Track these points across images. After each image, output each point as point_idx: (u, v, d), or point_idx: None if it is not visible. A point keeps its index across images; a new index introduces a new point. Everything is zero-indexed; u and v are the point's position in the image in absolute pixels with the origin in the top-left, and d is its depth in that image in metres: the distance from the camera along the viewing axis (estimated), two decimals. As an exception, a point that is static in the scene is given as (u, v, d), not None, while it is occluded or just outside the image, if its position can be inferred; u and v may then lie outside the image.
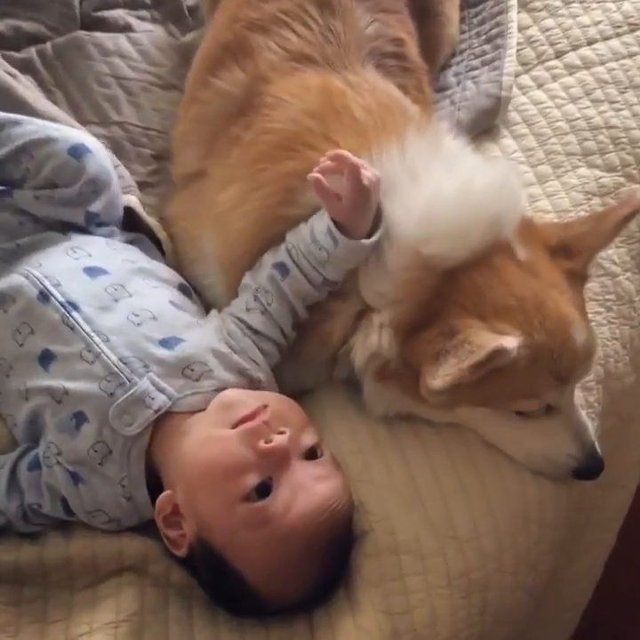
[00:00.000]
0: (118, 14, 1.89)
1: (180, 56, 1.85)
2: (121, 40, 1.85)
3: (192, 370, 1.28)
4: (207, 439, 1.20)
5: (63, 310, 1.31)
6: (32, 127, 1.45)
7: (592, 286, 1.47)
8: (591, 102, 1.70)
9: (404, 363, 1.24)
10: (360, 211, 1.25)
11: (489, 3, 1.90)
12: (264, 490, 1.16)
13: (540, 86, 1.76)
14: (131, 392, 1.25)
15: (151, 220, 1.56)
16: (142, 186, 1.66)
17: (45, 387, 1.27)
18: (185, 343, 1.30)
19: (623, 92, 1.72)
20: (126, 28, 1.88)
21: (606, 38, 1.80)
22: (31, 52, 1.80)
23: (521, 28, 1.84)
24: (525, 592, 1.30)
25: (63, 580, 1.25)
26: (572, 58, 1.78)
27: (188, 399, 1.26)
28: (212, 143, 1.50)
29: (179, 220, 1.55)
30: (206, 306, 1.45)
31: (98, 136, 1.65)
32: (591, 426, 1.31)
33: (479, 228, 1.24)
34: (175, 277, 1.46)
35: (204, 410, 1.25)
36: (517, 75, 1.77)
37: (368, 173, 1.23)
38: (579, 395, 1.36)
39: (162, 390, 1.25)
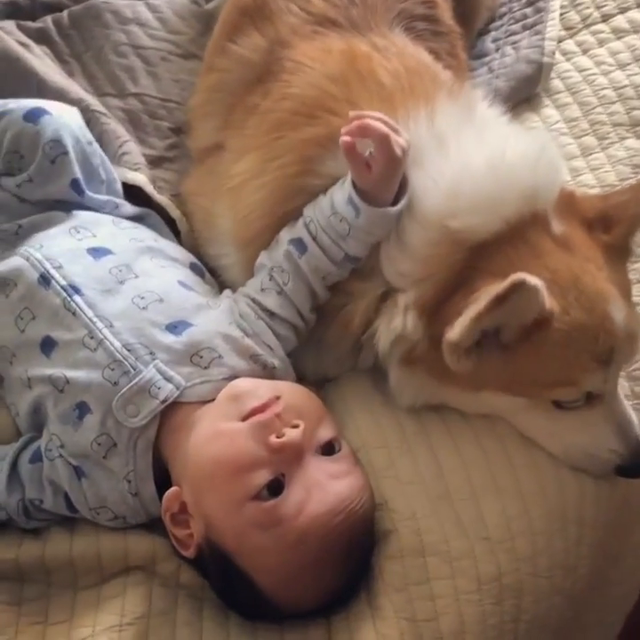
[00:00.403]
0: (137, -20, 1.88)
1: (202, 24, 1.83)
2: (139, 7, 1.82)
3: (201, 357, 1.23)
4: (214, 433, 1.15)
5: (64, 294, 1.27)
6: None
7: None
8: (640, 68, 1.68)
9: (430, 343, 1.20)
10: (389, 180, 1.20)
11: (531, -37, 1.88)
12: (275, 488, 1.11)
13: (585, 52, 1.74)
14: (135, 381, 1.20)
15: (162, 199, 1.53)
16: (160, 161, 1.64)
17: (47, 375, 1.23)
18: (193, 328, 1.25)
19: (675, 58, 1.68)
20: (145, -6, 1.87)
21: (658, -1, 1.77)
22: (47, 21, 1.79)
23: (564, -10, 1.83)
24: (563, 597, 1.24)
25: (66, 578, 1.21)
26: (619, 21, 1.76)
27: (197, 388, 1.21)
28: (230, 113, 1.47)
29: (195, 196, 1.52)
30: (223, 289, 1.40)
31: (114, 108, 1.66)
32: (637, 419, 1.25)
33: (512, 199, 1.20)
34: (186, 256, 1.42)
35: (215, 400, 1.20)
36: (561, 40, 1.77)
37: (400, 140, 1.19)
38: (623, 385, 1.30)
39: (169, 379, 1.21)
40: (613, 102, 1.62)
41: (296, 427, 1.13)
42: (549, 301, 1.12)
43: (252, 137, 1.37)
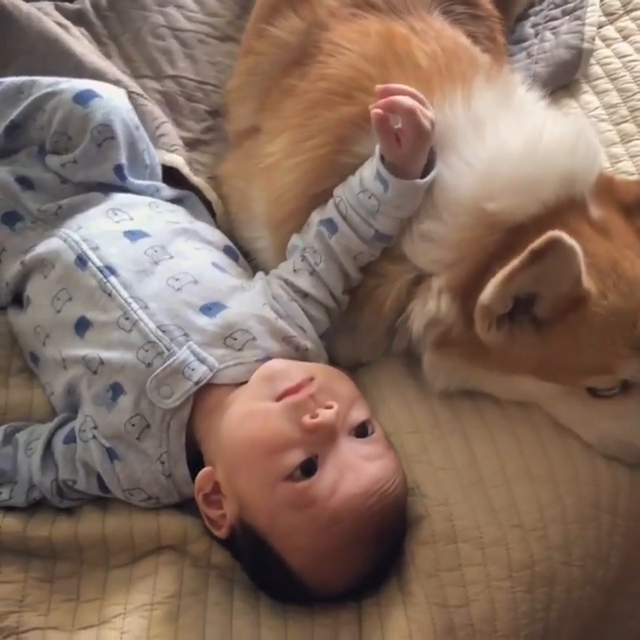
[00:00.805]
0: (175, -38, 1.88)
1: (239, 6, 1.82)
2: (177, -11, 1.83)
3: (234, 339, 1.22)
4: (248, 413, 1.15)
5: (100, 275, 1.27)
6: (44, 82, 1.43)
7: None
8: (682, 55, 1.66)
9: (464, 325, 1.19)
10: (418, 153, 1.20)
11: (571, -52, 1.86)
12: (309, 468, 1.10)
13: (625, 38, 1.72)
14: (169, 362, 1.20)
15: (199, 181, 1.53)
16: (196, 143, 1.64)
17: (81, 356, 1.23)
18: (227, 310, 1.25)
19: None
20: (183, -24, 1.87)
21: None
22: (85, 2, 1.78)
23: (605, -24, 1.80)
24: (595, 586, 1.23)
25: (98, 557, 1.21)
26: (662, 7, 1.75)
27: (231, 370, 1.21)
28: (266, 96, 1.46)
29: (231, 178, 1.52)
30: (257, 271, 1.40)
31: (151, 90, 1.66)
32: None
33: (550, 182, 1.18)
34: (221, 239, 1.42)
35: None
36: (601, 26, 1.75)
37: (428, 113, 1.19)
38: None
39: (202, 360, 1.20)
40: (654, 89, 1.60)
41: (330, 408, 1.12)
42: (586, 279, 1.10)
43: (287, 118, 1.36)
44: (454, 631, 1.13)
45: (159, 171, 1.50)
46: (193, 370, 1.19)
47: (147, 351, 1.20)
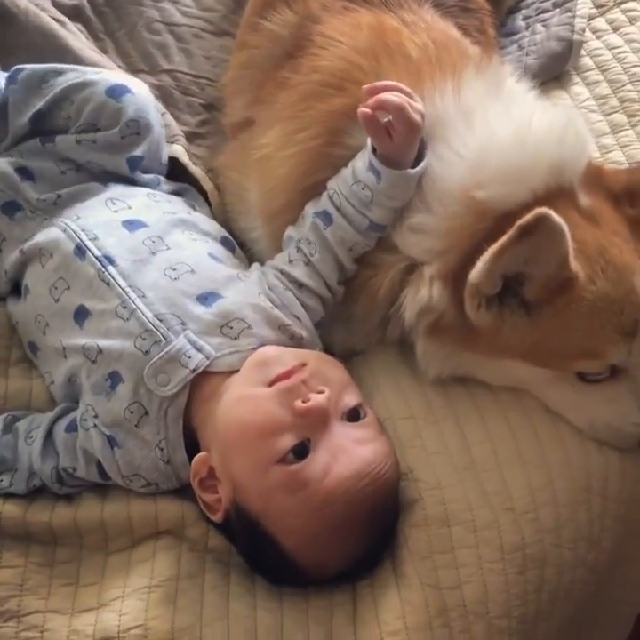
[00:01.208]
0: (171, -44, 1.88)
1: (234, 1, 1.82)
2: (172, -16, 1.83)
3: (231, 327, 1.23)
4: (241, 397, 1.16)
5: (99, 265, 1.27)
6: (72, 74, 1.43)
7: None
8: (672, 47, 1.64)
9: (456, 311, 1.20)
10: (410, 145, 1.21)
11: (561, -60, 1.84)
12: (301, 452, 1.12)
13: (615, 30, 1.71)
14: (166, 350, 1.21)
15: (197, 171, 1.54)
16: (192, 136, 1.64)
17: (80, 345, 1.24)
18: (223, 299, 1.26)
19: None
20: (178, -29, 1.86)
21: (691, -24, 1.73)
22: None
23: (596, -32, 1.78)
24: (586, 569, 1.24)
25: (97, 542, 1.22)
26: (652, -1, 1.73)
27: (227, 358, 1.22)
28: (260, 89, 1.46)
29: (227, 170, 1.52)
30: (253, 262, 1.40)
31: (147, 85, 1.62)
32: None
33: (539, 171, 1.19)
34: (217, 230, 1.42)
35: None
36: (591, 18, 1.73)
37: (417, 105, 1.20)
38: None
39: (199, 349, 1.21)
40: (644, 80, 1.58)
41: (321, 392, 1.13)
42: (574, 262, 1.11)
43: (281, 110, 1.36)
44: (447, 612, 1.14)
45: (164, 159, 1.50)
46: (189, 358, 1.20)
47: (144, 339, 1.21)
